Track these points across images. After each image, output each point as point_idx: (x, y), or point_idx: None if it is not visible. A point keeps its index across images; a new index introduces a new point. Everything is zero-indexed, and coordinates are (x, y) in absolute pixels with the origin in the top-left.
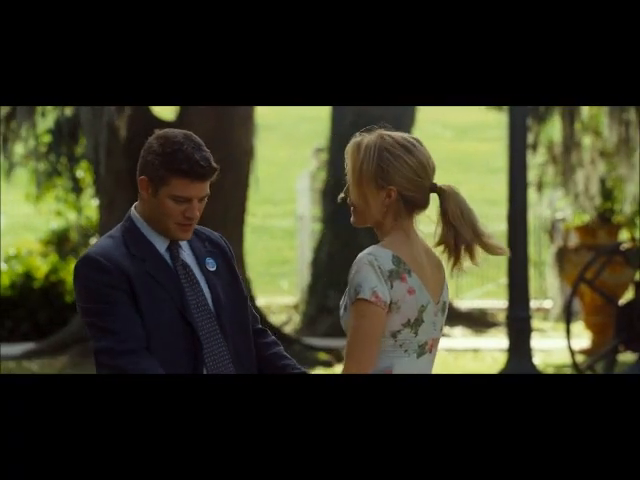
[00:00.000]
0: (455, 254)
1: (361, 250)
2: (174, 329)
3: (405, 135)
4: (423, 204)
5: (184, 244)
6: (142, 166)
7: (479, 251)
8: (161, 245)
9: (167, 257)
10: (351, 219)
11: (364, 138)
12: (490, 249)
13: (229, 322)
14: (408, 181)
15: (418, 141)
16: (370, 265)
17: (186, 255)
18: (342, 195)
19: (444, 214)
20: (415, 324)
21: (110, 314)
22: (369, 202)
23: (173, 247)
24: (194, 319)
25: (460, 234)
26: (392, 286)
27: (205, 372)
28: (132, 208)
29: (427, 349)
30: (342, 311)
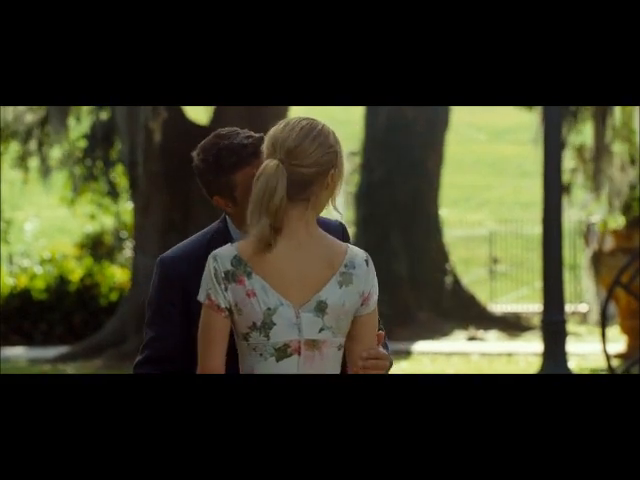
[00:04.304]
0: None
1: (394, 253)
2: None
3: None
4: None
5: None
6: (207, 190)
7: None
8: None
9: None
10: None
11: (277, 126)
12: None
13: None
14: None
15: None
16: (208, 266)
17: None
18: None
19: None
20: (264, 327)
21: (152, 323)
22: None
23: None
24: None
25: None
26: (227, 289)
27: None
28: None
29: (291, 352)
30: None
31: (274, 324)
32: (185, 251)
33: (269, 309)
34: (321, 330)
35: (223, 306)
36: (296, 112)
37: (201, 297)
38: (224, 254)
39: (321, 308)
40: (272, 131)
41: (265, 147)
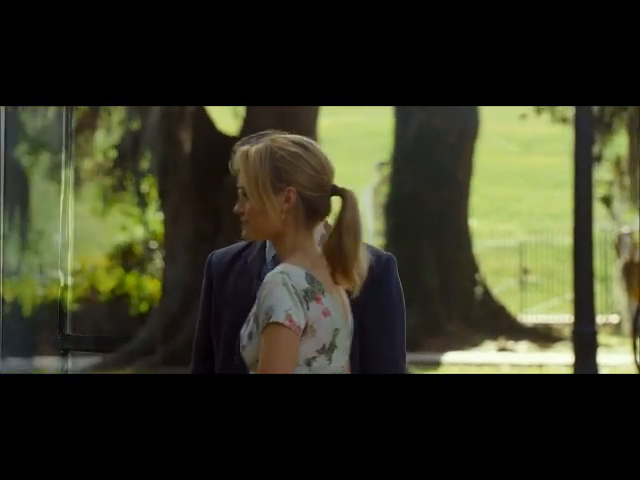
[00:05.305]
0: (338, 263)
1: (424, 264)
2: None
3: (299, 136)
4: (324, 209)
5: None
6: None
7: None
8: (270, 252)
9: (271, 264)
10: (242, 233)
11: (253, 145)
12: (346, 276)
13: None
14: (307, 178)
15: (313, 142)
16: (284, 285)
17: None
18: (236, 208)
19: (341, 217)
20: (329, 350)
21: (198, 320)
22: (267, 209)
23: None
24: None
25: (345, 243)
26: (309, 308)
27: None
28: None
29: None
30: (245, 340)
31: (336, 347)
32: (225, 251)
33: (336, 330)
34: (349, 353)
35: (302, 327)
36: (326, 128)
37: (280, 318)
38: (295, 272)
39: (352, 330)
40: (315, 152)
41: (320, 166)
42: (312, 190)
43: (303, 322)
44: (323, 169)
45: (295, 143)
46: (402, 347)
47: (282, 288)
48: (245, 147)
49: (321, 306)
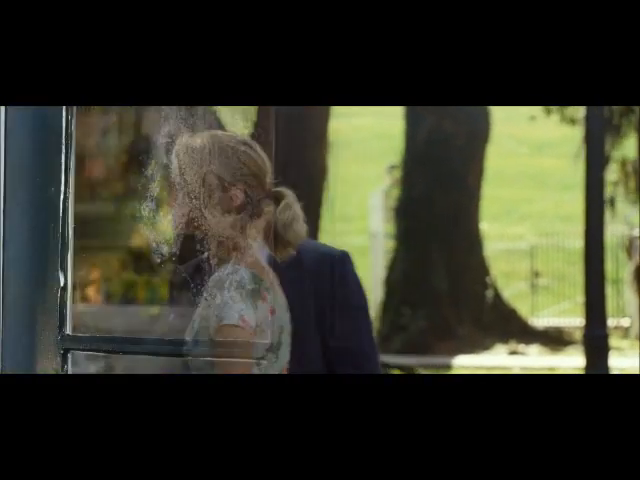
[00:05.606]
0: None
1: (434, 267)
2: None
3: (242, 134)
4: (264, 209)
5: None
6: None
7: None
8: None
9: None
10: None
11: (194, 138)
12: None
13: None
14: (254, 177)
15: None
16: (232, 286)
17: None
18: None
19: (275, 218)
20: (276, 348)
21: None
22: (212, 209)
23: None
24: None
25: (281, 243)
26: (257, 307)
27: None
28: None
29: None
30: (190, 344)
31: (281, 344)
32: None
33: (281, 327)
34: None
35: (254, 327)
36: (336, 130)
37: (233, 319)
38: (241, 272)
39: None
40: (259, 151)
41: (264, 166)
42: (257, 188)
43: (254, 322)
44: (267, 170)
45: (240, 140)
46: (371, 343)
47: (231, 289)
48: (186, 140)
49: (267, 305)
